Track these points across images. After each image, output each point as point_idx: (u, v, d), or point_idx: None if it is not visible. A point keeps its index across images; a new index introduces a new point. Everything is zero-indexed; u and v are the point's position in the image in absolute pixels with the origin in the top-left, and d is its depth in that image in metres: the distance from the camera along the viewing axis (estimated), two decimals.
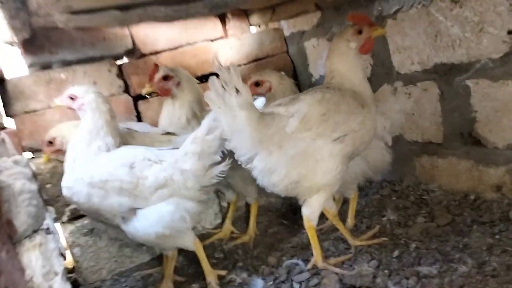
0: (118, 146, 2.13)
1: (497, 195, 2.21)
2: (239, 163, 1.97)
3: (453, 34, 2.22)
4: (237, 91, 1.84)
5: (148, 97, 3.01)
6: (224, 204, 3.04)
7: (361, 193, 2.84)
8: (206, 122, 2.01)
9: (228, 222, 2.84)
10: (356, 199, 2.44)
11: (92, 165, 2.02)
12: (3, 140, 1.53)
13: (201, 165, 1.99)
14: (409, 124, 2.64)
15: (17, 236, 0.99)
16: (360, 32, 2.06)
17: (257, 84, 2.48)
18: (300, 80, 3.51)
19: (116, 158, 2.04)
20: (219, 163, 2.03)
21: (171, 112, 2.59)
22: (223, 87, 1.83)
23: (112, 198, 1.97)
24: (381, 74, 2.74)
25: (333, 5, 2.83)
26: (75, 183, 2.01)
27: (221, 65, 1.84)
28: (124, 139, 2.29)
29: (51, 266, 1.02)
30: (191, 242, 2.14)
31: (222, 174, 2.04)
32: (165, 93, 2.57)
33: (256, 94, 2.56)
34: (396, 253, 1.96)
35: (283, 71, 3.44)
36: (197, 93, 2.61)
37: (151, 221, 1.99)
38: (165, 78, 2.54)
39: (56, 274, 1.02)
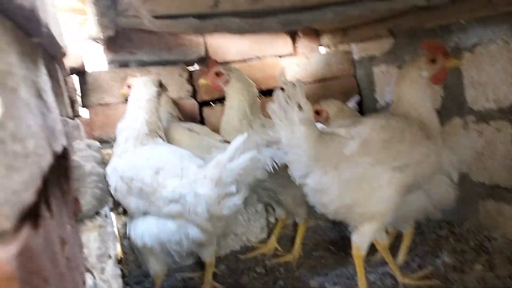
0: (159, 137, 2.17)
1: None
2: (292, 180, 1.97)
3: None
4: (300, 107, 1.85)
5: (213, 104, 3.11)
6: (272, 219, 3.03)
7: (416, 230, 2.71)
8: (231, 147, 1.85)
9: (273, 238, 2.82)
10: (411, 235, 2.32)
11: (127, 158, 2.02)
12: (78, 126, 1.64)
13: (216, 193, 1.81)
14: (477, 163, 2.49)
15: (81, 214, 1.05)
16: (433, 61, 2.01)
17: (316, 112, 2.55)
18: (365, 105, 3.45)
19: (147, 158, 2.00)
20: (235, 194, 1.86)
21: (225, 113, 2.64)
22: (286, 101, 1.85)
23: (132, 196, 1.94)
24: (452, 107, 2.62)
25: (407, 32, 2.77)
26: (111, 172, 2.00)
27: (287, 80, 1.86)
28: (183, 137, 2.37)
29: (106, 249, 1.08)
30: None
31: (235, 208, 1.86)
32: (216, 88, 2.65)
33: (316, 121, 2.58)
34: None
35: (349, 93, 3.42)
36: (247, 95, 2.59)
37: (149, 230, 1.94)
38: (217, 74, 2.62)
39: (109, 257, 1.07)
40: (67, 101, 1.72)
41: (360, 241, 1.92)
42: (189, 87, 3.06)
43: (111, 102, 2.87)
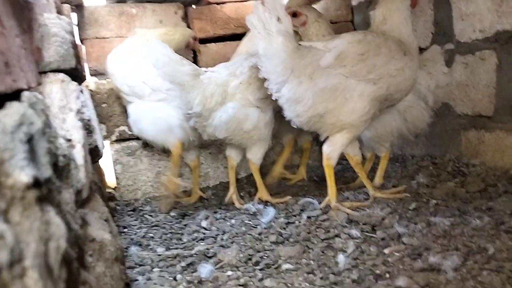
0: None
1: None
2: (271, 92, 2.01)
3: None
4: (279, 19, 1.89)
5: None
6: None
7: (400, 164, 2.76)
8: None
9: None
10: (387, 158, 2.38)
11: None
12: (50, 5, 1.69)
13: None
14: (461, 96, 2.50)
15: (43, 63, 1.14)
16: None
17: (294, 15, 2.34)
18: None
19: None
20: None
21: None
22: (265, 13, 1.89)
23: None
24: (442, 43, 2.62)
25: None
26: None
27: None
28: None
29: (68, 103, 1.16)
30: None
31: None
32: None
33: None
34: (413, 205, 1.89)
35: None
36: None
37: None
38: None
39: (71, 110, 1.16)
40: None
41: (330, 150, 1.97)
42: (184, 24, 3.12)
43: (107, 35, 2.96)
